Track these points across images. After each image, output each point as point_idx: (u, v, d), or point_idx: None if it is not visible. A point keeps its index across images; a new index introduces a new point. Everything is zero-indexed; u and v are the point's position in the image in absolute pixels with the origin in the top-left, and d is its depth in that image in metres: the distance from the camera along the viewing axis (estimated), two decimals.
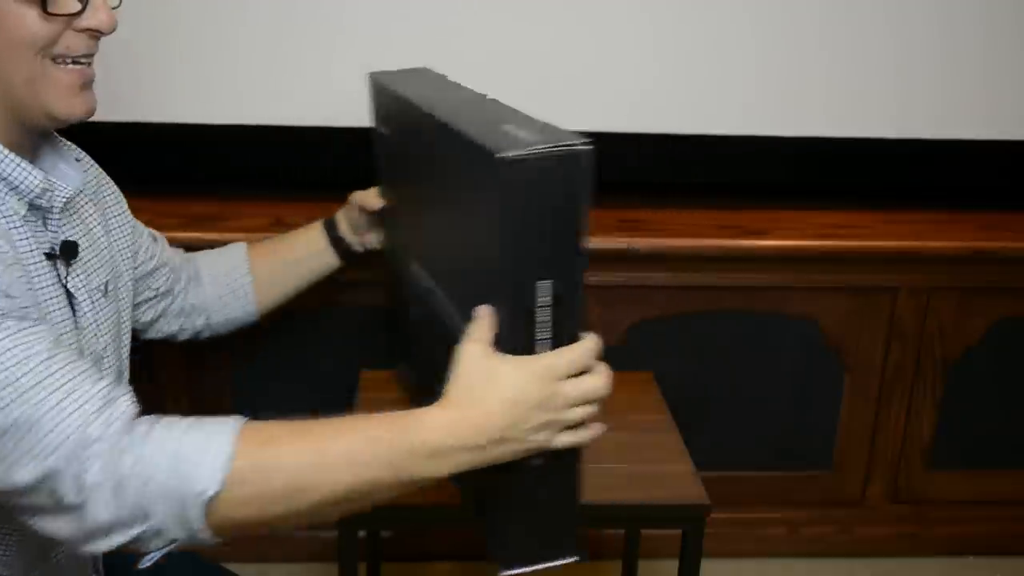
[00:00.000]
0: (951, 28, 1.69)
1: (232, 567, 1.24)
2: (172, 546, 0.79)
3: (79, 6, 0.88)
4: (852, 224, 1.78)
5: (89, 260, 0.99)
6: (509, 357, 0.83)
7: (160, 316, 1.26)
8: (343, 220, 1.38)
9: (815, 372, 1.85)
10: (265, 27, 1.62)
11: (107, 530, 0.77)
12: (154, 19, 1.60)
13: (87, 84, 0.92)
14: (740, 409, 1.87)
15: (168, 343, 1.32)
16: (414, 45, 1.62)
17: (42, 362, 0.79)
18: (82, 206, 1.01)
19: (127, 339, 1.10)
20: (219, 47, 1.62)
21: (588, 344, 0.84)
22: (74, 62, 0.89)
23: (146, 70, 1.63)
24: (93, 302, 0.99)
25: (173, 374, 1.72)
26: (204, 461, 0.76)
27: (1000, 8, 1.69)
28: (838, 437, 1.89)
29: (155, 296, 1.23)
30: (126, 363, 1.10)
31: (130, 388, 0.85)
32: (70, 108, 0.90)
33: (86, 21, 0.89)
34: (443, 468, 0.82)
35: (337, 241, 1.38)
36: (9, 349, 0.78)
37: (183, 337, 1.31)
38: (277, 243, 1.38)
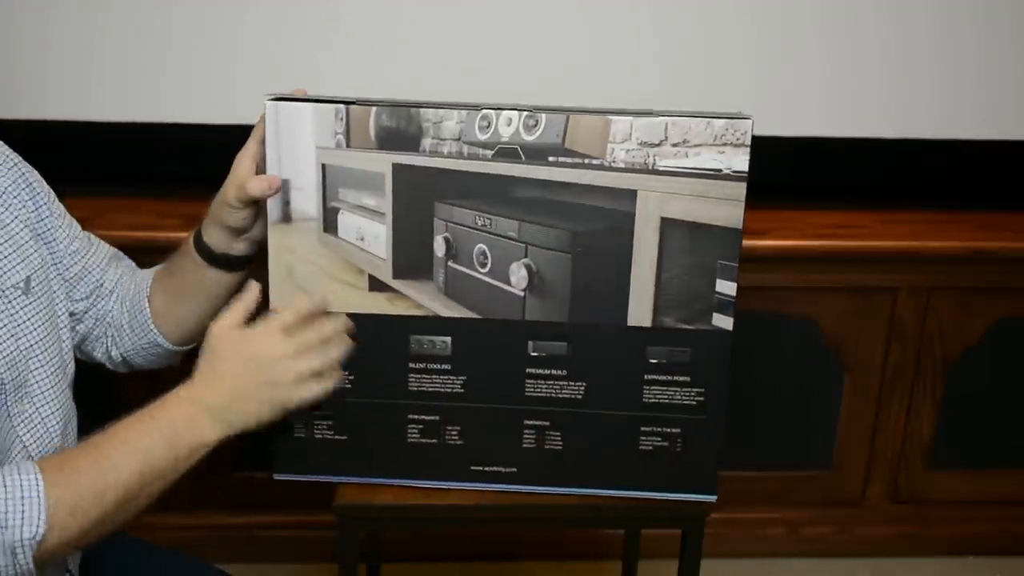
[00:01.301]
0: (951, 28, 1.69)
1: (232, 567, 1.23)
2: None
3: None
4: (852, 224, 1.78)
5: (4, 259, 0.96)
6: (244, 330, 0.96)
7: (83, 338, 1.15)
8: (210, 225, 1.07)
9: (815, 372, 1.85)
10: (264, 28, 1.62)
11: None
12: (151, 20, 1.60)
13: None
14: (740, 409, 1.87)
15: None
16: (415, 45, 1.63)
17: None
18: None
19: (67, 340, 1.06)
20: (219, 48, 1.62)
21: (297, 305, 0.98)
22: None
23: (144, 70, 1.63)
24: (9, 301, 0.96)
25: (173, 371, 1.72)
26: (23, 509, 0.82)
27: (1000, 8, 1.69)
28: (838, 437, 1.89)
29: (75, 312, 1.12)
30: (69, 355, 1.06)
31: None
32: None
33: None
34: (207, 433, 0.93)
35: (206, 252, 1.08)
36: None
37: (101, 359, 1.18)
38: (169, 262, 1.14)
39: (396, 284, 1.04)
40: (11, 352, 0.95)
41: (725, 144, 0.96)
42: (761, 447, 1.90)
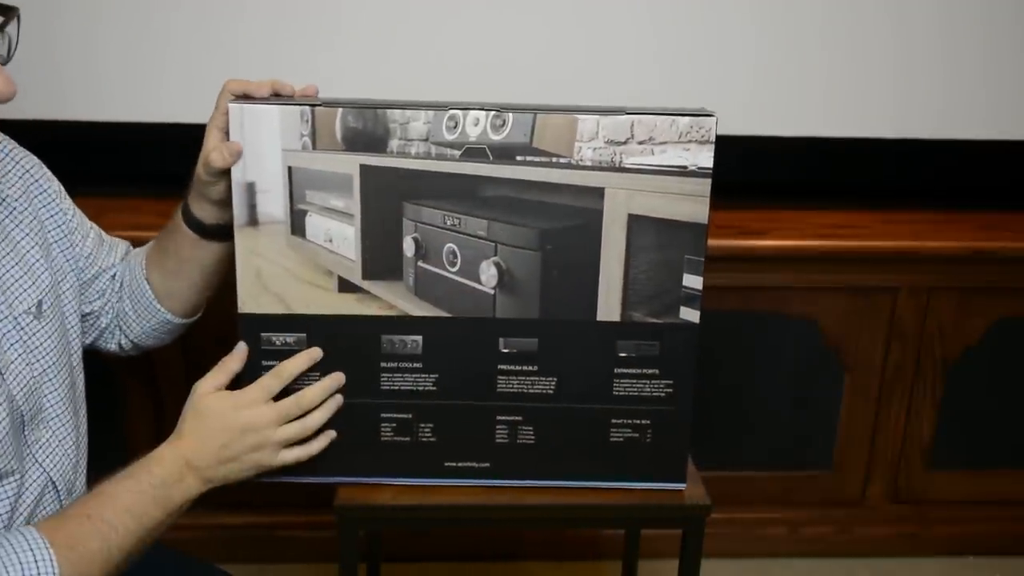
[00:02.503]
0: (951, 28, 1.69)
1: (232, 567, 1.23)
2: None
3: None
4: (852, 224, 1.78)
5: (13, 284, 0.96)
6: (226, 392, 1.01)
7: (99, 336, 1.17)
8: (195, 200, 1.07)
9: (815, 372, 1.85)
10: (263, 28, 1.62)
11: None
12: (151, 20, 1.60)
13: None
14: (740, 409, 1.87)
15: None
16: (415, 46, 1.63)
17: None
18: (4, 226, 0.97)
19: (78, 352, 1.07)
20: (220, 48, 1.62)
21: (286, 365, 1.03)
22: None
23: (144, 70, 1.63)
24: (22, 328, 0.96)
25: (171, 372, 1.73)
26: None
27: (1000, 8, 1.69)
28: (838, 437, 1.89)
29: (91, 312, 1.13)
30: (79, 367, 1.07)
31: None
32: None
33: None
34: (191, 489, 0.98)
35: (197, 226, 1.08)
36: None
37: (112, 348, 1.19)
38: (159, 241, 1.14)
39: (366, 285, 1.04)
40: (27, 381, 0.96)
41: (690, 141, 0.97)
42: (761, 447, 1.90)
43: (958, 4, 1.69)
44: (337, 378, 1.05)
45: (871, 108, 1.73)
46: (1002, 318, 1.83)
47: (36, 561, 0.85)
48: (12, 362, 0.94)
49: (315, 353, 1.04)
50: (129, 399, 1.74)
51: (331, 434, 1.05)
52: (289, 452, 1.02)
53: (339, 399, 1.05)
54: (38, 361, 0.97)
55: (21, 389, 0.94)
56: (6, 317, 0.94)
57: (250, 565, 1.81)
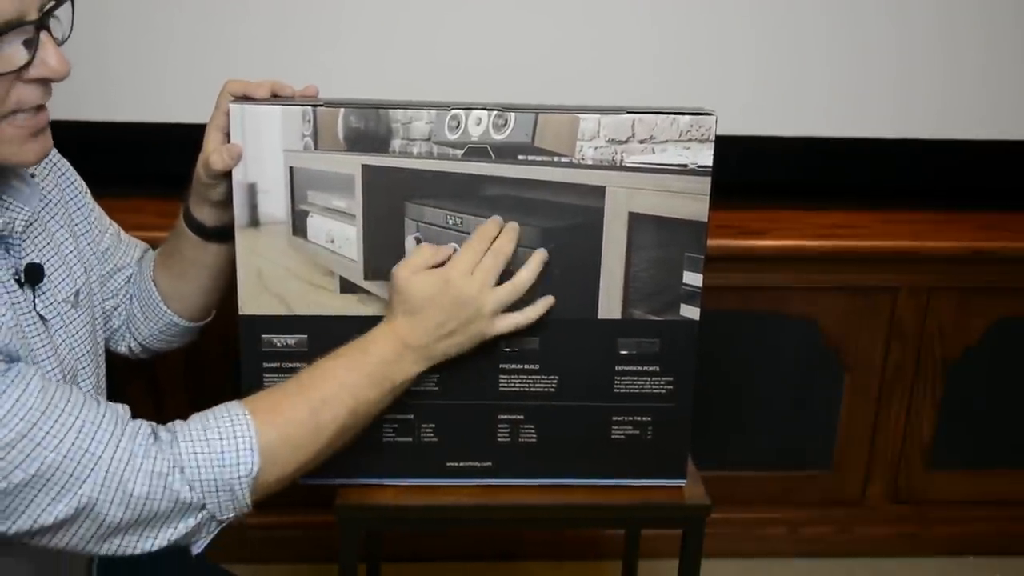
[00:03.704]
0: (951, 28, 1.69)
1: (232, 567, 1.24)
2: (222, 526, 0.91)
3: (26, 56, 0.82)
4: (851, 224, 1.78)
5: (54, 273, 0.96)
6: (429, 270, 0.98)
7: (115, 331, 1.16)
8: (196, 203, 1.07)
9: (815, 372, 1.85)
10: (266, 28, 1.62)
11: (164, 528, 0.87)
12: (152, 20, 1.60)
13: (40, 131, 0.87)
14: (740, 409, 1.87)
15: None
16: (418, 45, 1.63)
17: (44, 411, 0.80)
18: (43, 218, 0.98)
19: (102, 345, 1.08)
20: (221, 47, 1.62)
21: (478, 235, 0.99)
22: (23, 112, 0.84)
23: (145, 70, 1.63)
24: (63, 316, 0.96)
25: (172, 371, 1.73)
26: (239, 445, 0.87)
27: (1000, 8, 1.69)
28: (838, 437, 1.89)
29: (105, 311, 1.12)
30: (103, 371, 1.07)
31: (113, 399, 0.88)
32: (21, 157, 0.86)
33: (36, 71, 0.83)
34: (407, 368, 0.98)
35: (198, 228, 1.08)
36: (12, 403, 0.79)
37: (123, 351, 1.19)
38: (166, 244, 1.14)
39: (367, 285, 1.04)
40: (70, 365, 0.97)
41: (690, 140, 0.98)
42: (761, 447, 1.90)
43: (958, 4, 1.69)
44: (543, 254, 1.02)
45: (871, 108, 1.73)
46: (1002, 318, 1.83)
47: (233, 424, 0.88)
48: (58, 347, 0.95)
49: (513, 225, 1.01)
50: (129, 398, 1.73)
51: (549, 299, 1.03)
52: (507, 319, 1.01)
53: (543, 253, 1.02)
54: (76, 347, 0.98)
55: (66, 373, 0.95)
56: (52, 304, 0.95)
57: (250, 565, 1.81)
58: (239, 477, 0.87)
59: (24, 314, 0.90)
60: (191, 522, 0.88)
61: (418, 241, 1.02)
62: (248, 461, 0.87)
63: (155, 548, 0.87)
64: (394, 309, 0.98)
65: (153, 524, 0.86)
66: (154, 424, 0.89)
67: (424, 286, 0.97)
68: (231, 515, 0.90)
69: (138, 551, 0.87)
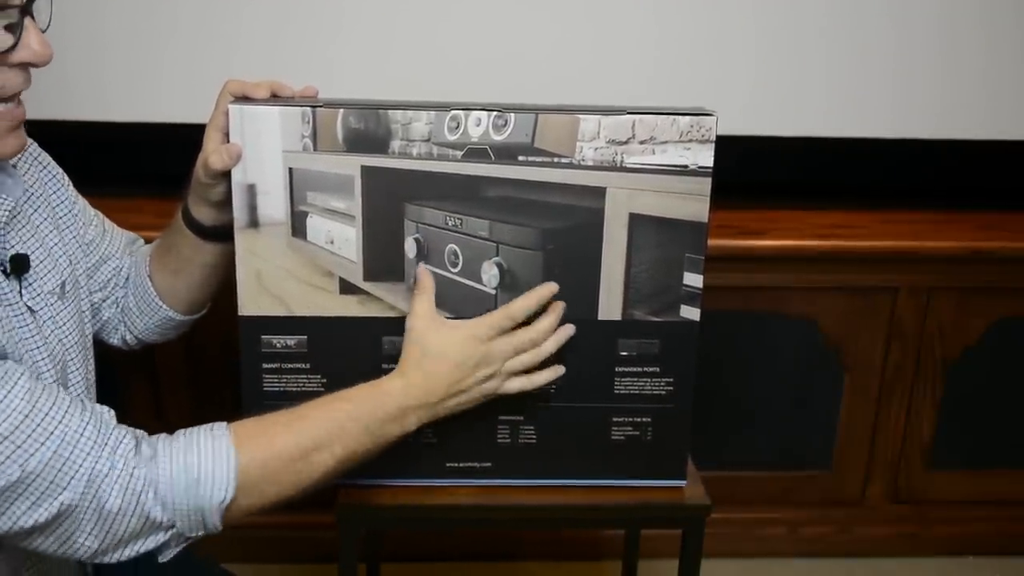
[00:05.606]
0: (951, 28, 1.69)
1: (232, 567, 1.24)
2: (191, 542, 0.90)
3: (11, 40, 0.82)
4: (851, 224, 1.78)
5: (39, 265, 0.96)
6: (449, 323, 0.99)
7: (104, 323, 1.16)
8: (195, 202, 1.07)
9: (815, 372, 1.85)
10: (265, 27, 1.62)
11: (132, 543, 0.86)
12: (151, 20, 1.60)
13: (17, 125, 0.87)
14: (739, 409, 1.87)
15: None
16: (418, 44, 1.63)
17: (28, 413, 0.80)
18: (25, 210, 0.97)
19: (90, 337, 1.07)
20: (220, 47, 1.62)
21: (517, 304, 0.99)
22: (4, 101, 0.85)
23: (144, 70, 1.63)
24: (50, 307, 0.96)
25: (173, 369, 1.72)
26: (216, 472, 0.86)
27: (1000, 8, 1.69)
28: (838, 437, 1.89)
29: (94, 303, 1.12)
30: (92, 363, 1.07)
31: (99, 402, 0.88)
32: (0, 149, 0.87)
33: (20, 55, 0.83)
34: (407, 425, 0.97)
35: (197, 227, 1.08)
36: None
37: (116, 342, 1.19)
38: (162, 239, 1.14)
39: (367, 286, 1.04)
40: (59, 355, 0.96)
41: (691, 140, 0.97)
42: (761, 447, 1.90)
43: (958, 4, 1.69)
44: (561, 305, 1.02)
45: (870, 108, 1.73)
46: (1002, 318, 1.83)
47: (215, 450, 0.87)
48: (47, 337, 0.95)
49: (546, 290, 1.01)
50: (130, 399, 1.74)
51: (559, 369, 1.04)
52: (514, 381, 1.01)
53: (571, 328, 1.03)
54: (64, 338, 0.98)
55: (55, 364, 0.95)
56: (39, 294, 0.95)
57: (250, 565, 1.81)
58: (211, 503, 0.86)
59: (11, 305, 0.90)
60: (160, 538, 0.87)
61: (417, 243, 1.02)
62: (222, 489, 0.86)
63: (122, 559, 0.87)
64: (408, 357, 0.98)
65: (122, 538, 0.85)
66: (139, 434, 0.88)
67: (446, 343, 0.98)
68: (200, 534, 0.89)
69: (105, 561, 0.86)
